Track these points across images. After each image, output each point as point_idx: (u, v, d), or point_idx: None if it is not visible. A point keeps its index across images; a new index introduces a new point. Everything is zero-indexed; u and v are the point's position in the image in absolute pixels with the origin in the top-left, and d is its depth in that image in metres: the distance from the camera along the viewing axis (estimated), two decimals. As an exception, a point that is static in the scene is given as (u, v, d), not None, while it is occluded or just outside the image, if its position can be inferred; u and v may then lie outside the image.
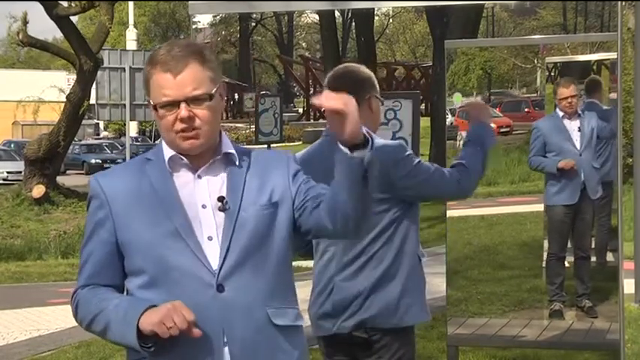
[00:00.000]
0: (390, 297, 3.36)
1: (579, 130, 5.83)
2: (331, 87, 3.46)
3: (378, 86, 3.54)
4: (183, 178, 2.38)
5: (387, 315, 3.35)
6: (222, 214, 2.34)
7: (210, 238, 2.33)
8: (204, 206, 2.35)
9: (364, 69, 3.56)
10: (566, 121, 5.86)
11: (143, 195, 2.36)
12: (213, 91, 2.35)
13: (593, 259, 5.90)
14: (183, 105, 2.30)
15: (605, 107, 5.75)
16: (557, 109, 5.88)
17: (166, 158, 2.38)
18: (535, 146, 5.89)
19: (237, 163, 2.41)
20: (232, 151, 2.41)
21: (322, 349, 3.53)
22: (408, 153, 3.42)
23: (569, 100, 5.80)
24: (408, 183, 3.35)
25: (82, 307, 2.38)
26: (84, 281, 2.41)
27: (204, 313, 2.27)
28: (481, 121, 3.77)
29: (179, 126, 2.31)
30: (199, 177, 2.38)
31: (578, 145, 5.84)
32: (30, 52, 61.21)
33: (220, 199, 2.35)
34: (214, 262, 2.32)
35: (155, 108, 2.34)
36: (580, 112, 5.83)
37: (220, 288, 2.30)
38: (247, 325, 2.32)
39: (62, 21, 17.99)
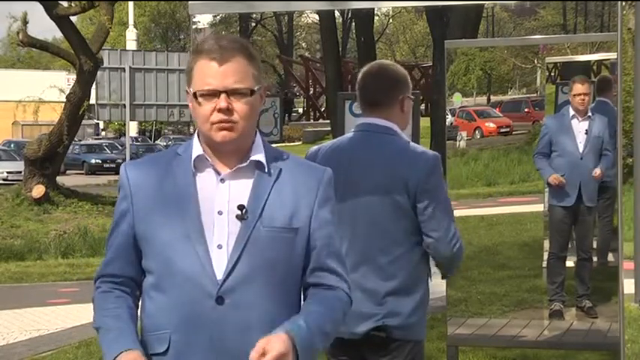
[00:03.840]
0: (405, 309, 3.30)
1: (586, 133, 5.79)
2: (365, 85, 3.45)
3: (411, 85, 3.49)
4: (205, 180, 2.33)
5: (400, 325, 3.29)
6: (238, 223, 2.28)
7: (219, 247, 2.28)
8: (220, 212, 2.29)
9: (399, 68, 3.51)
10: (574, 122, 5.81)
11: (165, 193, 2.33)
12: (255, 88, 2.32)
13: (595, 259, 5.89)
14: (223, 96, 2.27)
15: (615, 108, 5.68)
16: (569, 108, 5.83)
17: (193, 157, 2.34)
18: (541, 142, 5.85)
19: (266, 170, 2.35)
20: (262, 159, 2.34)
21: (327, 351, 3.48)
22: (441, 170, 3.33)
23: (583, 97, 5.72)
24: (422, 198, 3.26)
25: (94, 308, 2.42)
26: (101, 269, 2.43)
27: (200, 323, 2.25)
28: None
29: (216, 117, 2.28)
30: (222, 181, 2.32)
31: (581, 148, 5.80)
32: (30, 52, 61.22)
33: (240, 207, 2.28)
34: (220, 272, 2.26)
35: (195, 96, 2.30)
36: (590, 113, 5.79)
37: (220, 300, 2.25)
38: (240, 347, 2.24)
39: (62, 21, 17.97)
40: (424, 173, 3.26)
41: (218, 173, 2.33)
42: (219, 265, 2.27)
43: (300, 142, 38.22)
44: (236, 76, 2.29)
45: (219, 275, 2.26)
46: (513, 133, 6.75)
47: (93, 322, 2.41)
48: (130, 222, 2.36)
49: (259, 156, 2.35)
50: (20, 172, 21.05)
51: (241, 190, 2.32)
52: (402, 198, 3.27)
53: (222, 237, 2.28)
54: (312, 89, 46.37)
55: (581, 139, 5.80)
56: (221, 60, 2.28)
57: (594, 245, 5.91)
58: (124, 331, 2.30)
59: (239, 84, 2.29)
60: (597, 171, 5.75)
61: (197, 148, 2.36)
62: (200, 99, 2.30)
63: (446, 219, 3.30)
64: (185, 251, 2.27)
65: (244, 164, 2.33)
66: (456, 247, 3.33)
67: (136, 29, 51.22)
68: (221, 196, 2.31)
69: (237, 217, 2.28)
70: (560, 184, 5.79)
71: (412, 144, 3.41)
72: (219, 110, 2.27)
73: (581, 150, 5.80)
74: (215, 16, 57.45)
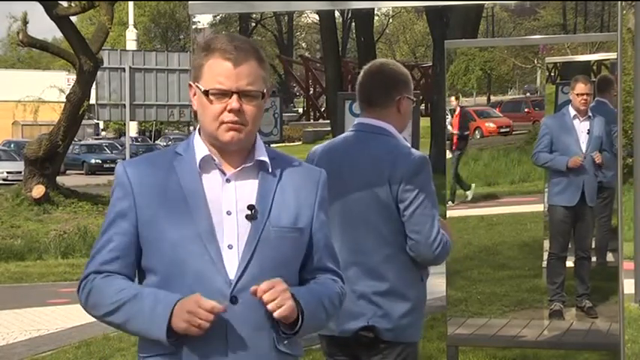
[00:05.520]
0: (395, 312, 3.29)
1: (588, 133, 5.79)
2: (362, 83, 3.44)
3: (411, 86, 3.46)
4: (211, 181, 2.34)
5: (389, 327, 3.29)
6: (247, 223, 2.30)
7: (230, 247, 2.29)
8: (229, 213, 2.31)
9: (400, 67, 3.47)
10: (576, 122, 5.81)
11: (170, 192, 2.32)
12: (264, 91, 2.34)
13: (594, 259, 5.90)
14: (235, 96, 2.29)
15: (614, 109, 5.66)
16: (570, 107, 5.82)
17: (198, 157, 2.35)
18: (542, 142, 5.83)
19: (269, 170, 2.37)
20: (266, 159, 2.36)
21: (324, 349, 3.49)
22: (427, 172, 3.28)
23: (585, 97, 5.71)
24: (403, 197, 3.25)
25: (96, 295, 2.33)
26: (97, 267, 2.34)
27: (214, 323, 2.22)
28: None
29: (227, 117, 2.29)
30: (228, 181, 2.34)
31: (584, 148, 5.80)
32: (30, 52, 61.22)
33: (250, 207, 2.30)
34: (232, 271, 2.27)
35: (206, 94, 2.31)
36: (590, 113, 5.78)
37: (234, 299, 2.26)
38: (251, 345, 2.27)
39: (62, 21, 17.98)
40: (407, 172, 3.24)
41: (223, 173, 2.34)
42: (231, 265, 2.28)
43: (300, 142, 38.26)
44: (249, 78, 2.31)
45: (232, 275, 2.27)
46: (513, 133, 6.74)
47: (105, 307, 2.31)
48: (133, 221, 2.33)
49: (263, 156, 2.37)
50: (20, 172, 21.06)
51: (247, 190, 2.34)
52: (387, 197, 3.26)
53: (232, 237, 2.30)
54: (312, 89, 46.37)
55: (583, 140, 5.80)
56: (236, 61, 2.29)
57: (592, 245, 5.92)
58: (159, 294, 2.28)
59: (251, 86, 2.31)
60: (598, 155, 5.74)
61: (202, 149, 2.36)
62: (211, 97, 2.31)
63: (428, 221, 3.24)
64: (197, 251, 2.27)
65: (249, 164, 2.35)
66: (438, 250, 3.26)
67: (136, 29, 51.19)
68: (228, 197, 2.32)
69: (247, 217, 2.30)
70: (578, 164, 5.77)
71: (403, 145, 3.36)
72: (230, 111, 2.29)
73: (584, 150, 5.80)
74: (215, 16, 57.48)
